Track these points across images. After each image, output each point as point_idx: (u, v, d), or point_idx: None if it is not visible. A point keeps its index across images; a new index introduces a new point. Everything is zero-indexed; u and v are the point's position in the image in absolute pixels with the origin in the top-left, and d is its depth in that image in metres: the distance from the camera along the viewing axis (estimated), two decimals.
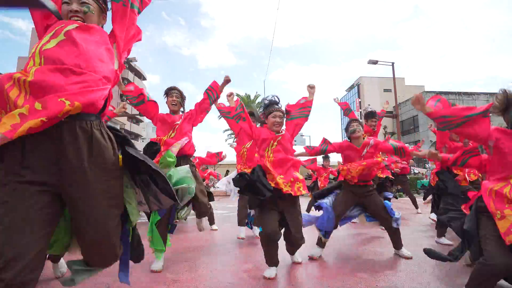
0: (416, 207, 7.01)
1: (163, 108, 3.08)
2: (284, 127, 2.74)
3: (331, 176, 7.22)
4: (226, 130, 29.34)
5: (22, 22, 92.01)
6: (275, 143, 2.61)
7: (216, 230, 4.61)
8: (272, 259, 2.45)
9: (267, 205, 2.48)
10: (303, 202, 3.83)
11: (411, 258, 2.93)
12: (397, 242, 3.05)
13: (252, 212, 3.79)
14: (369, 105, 23.17)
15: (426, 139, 27.79)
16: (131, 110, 37.58)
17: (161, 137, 2.86)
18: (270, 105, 2.70)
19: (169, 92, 3.05)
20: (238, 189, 2.82)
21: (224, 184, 4.36)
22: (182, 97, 3.09)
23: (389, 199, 3.77)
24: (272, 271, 2.42)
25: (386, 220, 3.01)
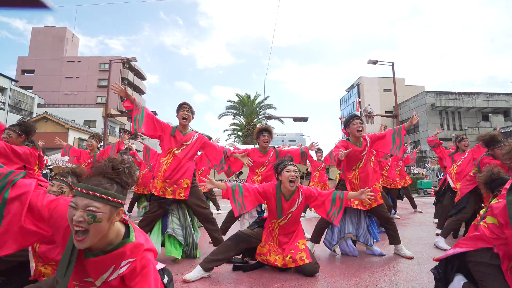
0: (414, 207, 7.02)
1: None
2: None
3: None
4: (226, 130, 29.34)
5: (20, 22, 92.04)
6: (285, 220, 2.60)
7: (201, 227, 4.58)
8: (213, 262, 2.45)
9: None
10: None
11: (412, 258, 2.94)
12: (395, 237, 3.07)
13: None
14: (369, 105, 23.16)
15: (425, 139, 27.84)
16: None
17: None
18: (283, 163, 2.59)
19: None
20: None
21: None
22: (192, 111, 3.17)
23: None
24: (195, 274, 2.36)
25: (383, 216, 3.10)
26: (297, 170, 2.54)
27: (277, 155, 3.65)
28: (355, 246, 3.16)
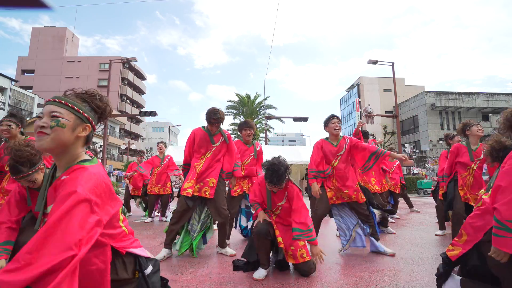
0: (410, 206, 7.04)
1: None
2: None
3: None
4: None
5: (16, 21, 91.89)
6: (278, 212, 2.63)
7: (216, 230, 4.60)
8: (262, 259, 2.48)
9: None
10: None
11: (393, 255, 3.02)
12: (373, 234, 3.14)
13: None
14: (369, 105, 23.17)
15: (425, 139, 27.86)
16: (131, 110, 37.62)
17: None
18: (267, 178, 2.47)
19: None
20: None
21: None
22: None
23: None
24: (261, 272, 2.42)
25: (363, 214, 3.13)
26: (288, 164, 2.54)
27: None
28: (364, 235, 3.16)
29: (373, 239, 3.15)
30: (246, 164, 3.74)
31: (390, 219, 4.95)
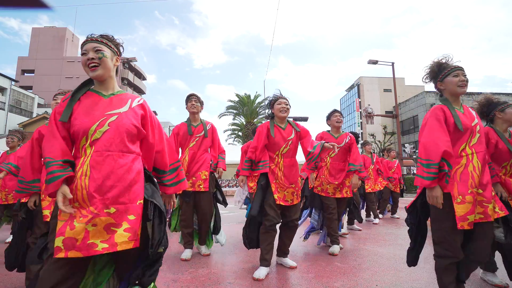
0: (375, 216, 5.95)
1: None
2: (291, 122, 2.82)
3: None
4: (226, 130, 29.33)
5: (15, 21, 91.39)
6: (287, 147, 2.65)
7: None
8: (263, 253, 2.50)
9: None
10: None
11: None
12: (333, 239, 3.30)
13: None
14: (369, 105, 23.18)
15: None
16: None
17: None
18: (275, 98, 2.80)
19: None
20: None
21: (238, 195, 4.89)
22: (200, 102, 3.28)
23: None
24: (262, 272, 2.43)
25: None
26: (287, 103, 2.73)
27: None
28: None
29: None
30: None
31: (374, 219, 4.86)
